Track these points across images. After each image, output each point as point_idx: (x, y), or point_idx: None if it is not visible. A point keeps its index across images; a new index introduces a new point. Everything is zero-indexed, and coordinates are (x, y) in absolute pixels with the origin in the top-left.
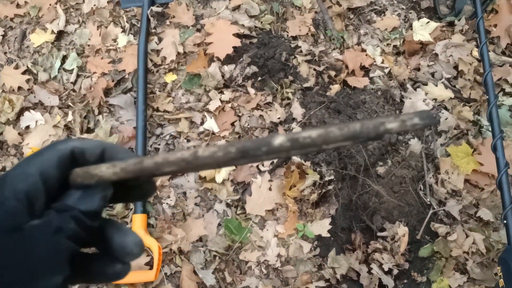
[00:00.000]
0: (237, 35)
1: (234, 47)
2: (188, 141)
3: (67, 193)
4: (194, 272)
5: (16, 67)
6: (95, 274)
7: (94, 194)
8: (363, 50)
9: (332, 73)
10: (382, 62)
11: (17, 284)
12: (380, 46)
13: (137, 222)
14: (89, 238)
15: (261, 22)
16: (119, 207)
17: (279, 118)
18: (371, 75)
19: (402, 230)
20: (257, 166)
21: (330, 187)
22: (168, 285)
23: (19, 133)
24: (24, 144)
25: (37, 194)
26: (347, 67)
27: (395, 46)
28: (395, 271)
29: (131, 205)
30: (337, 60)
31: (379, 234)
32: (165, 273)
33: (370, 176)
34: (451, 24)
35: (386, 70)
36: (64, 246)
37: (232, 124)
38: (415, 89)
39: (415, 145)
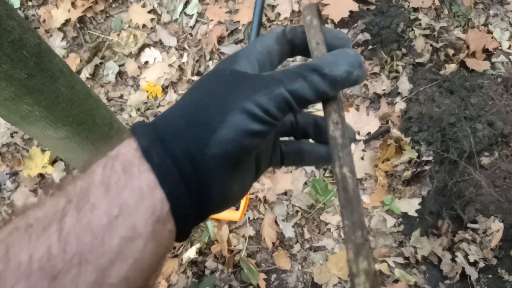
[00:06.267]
0: (356, 0)
1: (351, 12)
2: None
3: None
4: (275, 222)
5: (143, 6)
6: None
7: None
8: (489, 32)
9: (451, 51)
10: (509, 48)
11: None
12: (510, 30)
13: None
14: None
15: None
16: None
17: (383, 90)
18: (493, 59)
19: (496, 225)
20: None
21: (426, 168)
22: (249, 228)
23: (138, 67)
24: (141, 77)
25: (264, 61)
26: (468, 47)
27: None
28: (481, 264)
29: None
30: (458, 39)
31: (469, 225)
32: (249, 217)
33: (472, 165)
34: None
35: None
36: (281, 97)
37: None
38: None
39: None
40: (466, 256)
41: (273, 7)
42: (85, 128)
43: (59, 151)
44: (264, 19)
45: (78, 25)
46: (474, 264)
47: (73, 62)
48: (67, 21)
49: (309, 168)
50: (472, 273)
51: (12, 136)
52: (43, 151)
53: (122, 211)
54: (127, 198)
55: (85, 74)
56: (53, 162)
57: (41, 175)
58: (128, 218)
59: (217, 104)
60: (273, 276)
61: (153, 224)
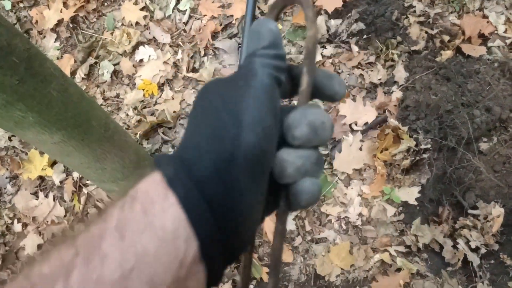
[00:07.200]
0: None
1: (344, 1)
2: None
3: None
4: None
5: (136, 3)
6: None
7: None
8: (485, 17)
9: (446, 38)
10: (505, 32)
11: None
12: (505, 14)
13: None
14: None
15: None
16: None
17: (380, 79)
18: (489, 44)
19: (497, 211)
20: (350, 125)
21: (424, 156)
22: None
23: (133, 65)
24: (136, 75)
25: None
26: (463, 33)
27: None
28: (483, 250)
29: None
30: (453, 25)
31: (470, 211)
32: None
33: (471, 151)
34: None
35: (508, 41)
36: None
37: None
38: None
39: None
40: (467, 242)
41: (266, 0)
42: (80, 131)
43: (56, 155)
44: (257, 12)
45: (71, 25)
46: (475, 250)
47: (67, 63)
48: (59, 22)
49: None
50: (474, 259)
51: (10, 140)
52: (42, 153)
53: (138, 261)
54: (146, 244)
55: (80, 75)
56: (52, 164)
57: (41, 178)
58: (146, 270)
59: (229, 112)
60: None
61: (173, 272)
